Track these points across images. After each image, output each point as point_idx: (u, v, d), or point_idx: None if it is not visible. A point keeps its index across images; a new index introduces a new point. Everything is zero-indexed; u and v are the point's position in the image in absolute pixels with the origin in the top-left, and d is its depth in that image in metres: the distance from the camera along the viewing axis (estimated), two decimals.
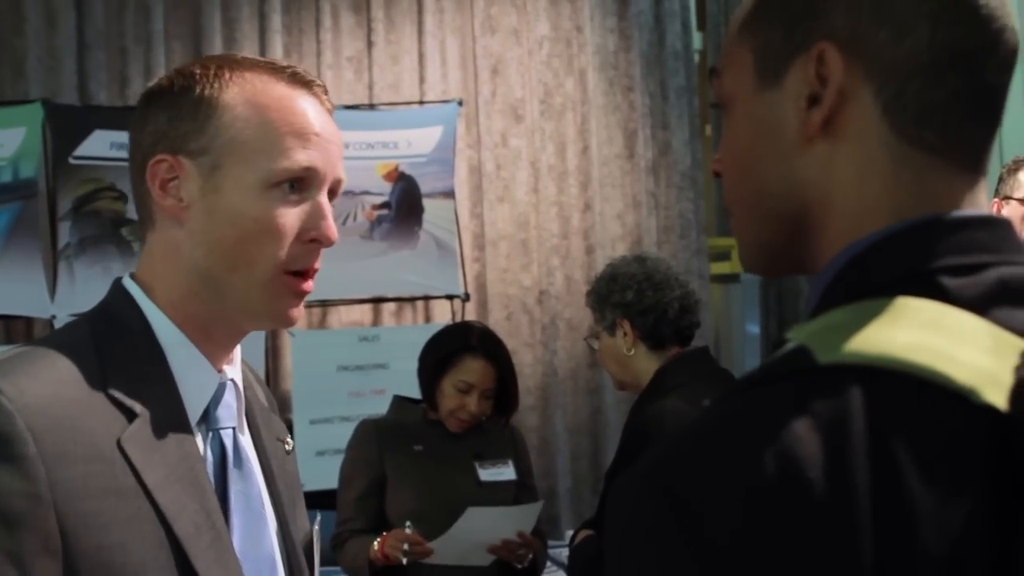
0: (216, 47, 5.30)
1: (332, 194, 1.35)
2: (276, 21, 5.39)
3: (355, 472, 3.16)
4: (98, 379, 1.20)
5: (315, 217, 1.29)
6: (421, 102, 5.41)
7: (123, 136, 4.85)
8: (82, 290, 4.57)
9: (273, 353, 5.21)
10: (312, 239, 1.29)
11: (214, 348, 1.32)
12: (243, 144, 1.27)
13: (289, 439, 1.48)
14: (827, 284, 0.84)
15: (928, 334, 0.73)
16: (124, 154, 4.52)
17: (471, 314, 5.34)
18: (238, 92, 1.29)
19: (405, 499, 3.06)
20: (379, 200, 4.98)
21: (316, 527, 1.48)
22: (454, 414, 3.15)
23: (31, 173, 4.59)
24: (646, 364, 2.69)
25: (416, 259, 4.99)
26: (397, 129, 5.06)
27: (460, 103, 5.28)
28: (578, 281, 5.51)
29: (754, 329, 6.25)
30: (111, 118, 4.82)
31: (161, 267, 1.31)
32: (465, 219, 5.45)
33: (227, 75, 1.29)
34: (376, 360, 4.88)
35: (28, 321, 4.76)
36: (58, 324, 4.51)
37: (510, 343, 5.48)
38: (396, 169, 5.00)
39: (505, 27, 5.62)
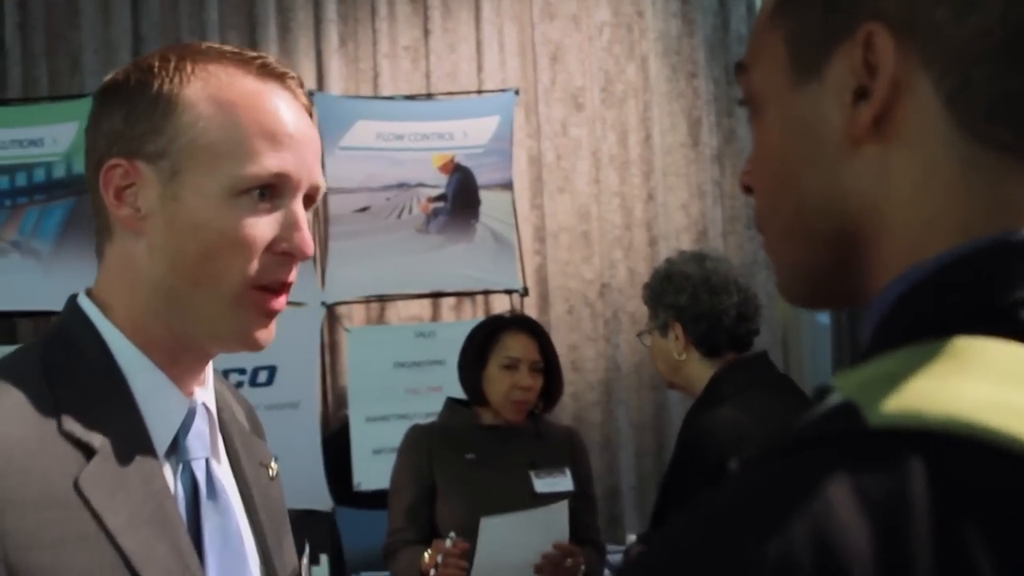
0: (271, 37, 5.22)
1: (309, 201, 1.22)
2: (331, 10, 5.30)
3: (405, 480, 3.05)
4: (50, 412, 1.07)
5: (288, 227, 1.16)
6: (479, 91, 5.29)
7: None
8: None
9: (331, 348, 5.13)
10: (284, 251, 1.16)
11: (181, 371, 1.19)
12: (205, 147, 1.14)
13: (273, 464, 1.35)
14: (881, 319, 0.70)
15: (1007, 387, 0.58)
16: None
17: (531, 308, 5.22)
18: (200, 87, 1.15)
19: (454, 510, 2.95)
20: (435, 192, 4.87)
21: (305, 560, 1.36)
22: (509, 397, 3.03)
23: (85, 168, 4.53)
24: (698, 370, 2.55)
25: (473, 253, 4.88)
26: (453, 119, 4.94)
27: (517, 92, 5.14)
28: (641, 274, 5.36)
29: (824, 320, 6.06)
30: None
31: (119, 284, 1.18)
32: (525, 211, 5.33)
33: (188, 68, 1.16)
34: (433, 356, 4.77)
35: None
36: None
37: (571, 337, 5.41)
38: (452, 160, 4.89)
39: (564, 13, 5.47)
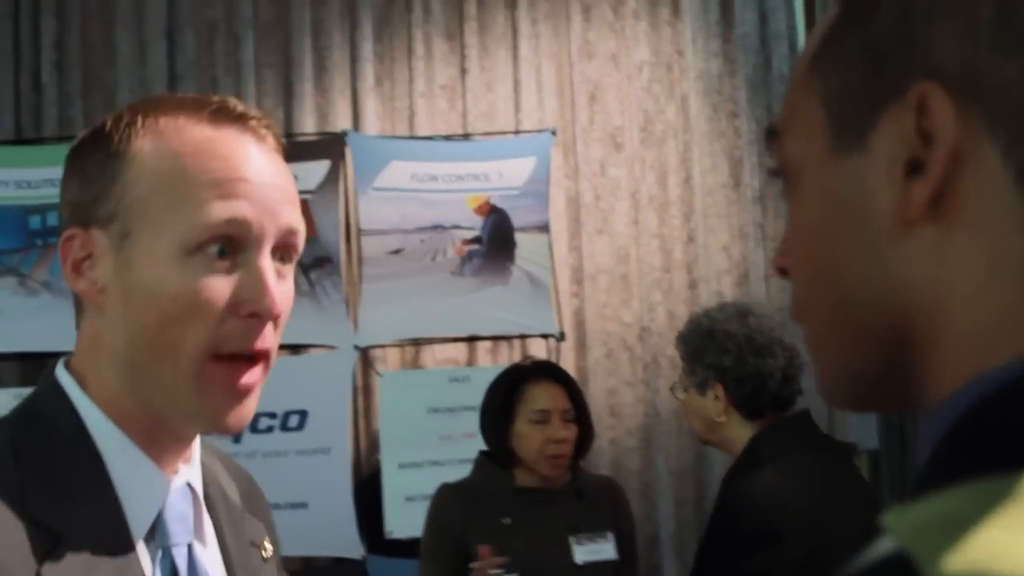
0: (306, 76, 5.17)
1: (290, 251, 1.11)
2: (367, 49, 5.24)
3: (437, 547, 2.89)
4: (15, 496, 0.98)
5: (251, 285, 1.05)
6: (516, 131, 5.21)
7: None
8: None
9: (364, 392, 5.04)
10: (251, 313, 1.05)
11: (161, 449, 1.09)
12: (152, 204, 1.04)
13: (267, 544, 1.24)
14: (941, 440, 0.58)
15: None
16: None
17: (568, 352, 5.12)
18: (149, 142, 1.06)
19: None
20: (470, 235, 4.78)
21: None
22: (543, 453, 2.87)
23: None
24: (738, 431, 2.44)
25: (509, 296, 4.78)
26: (488, 160, 4.86)
27: (554, 133, 5.05)
28: (681, 317, 5.23)
29: None
30: None
31: (90, 358, 1.10)
32: (562, 252, 5.23)
33: (139, 123, 1.07)
34: (468, 402, 4.63)
35: None
36: None
37: (610, 382, 5.30)
38: (487, 202, 4.81)
39: (603, 52, 5.39)
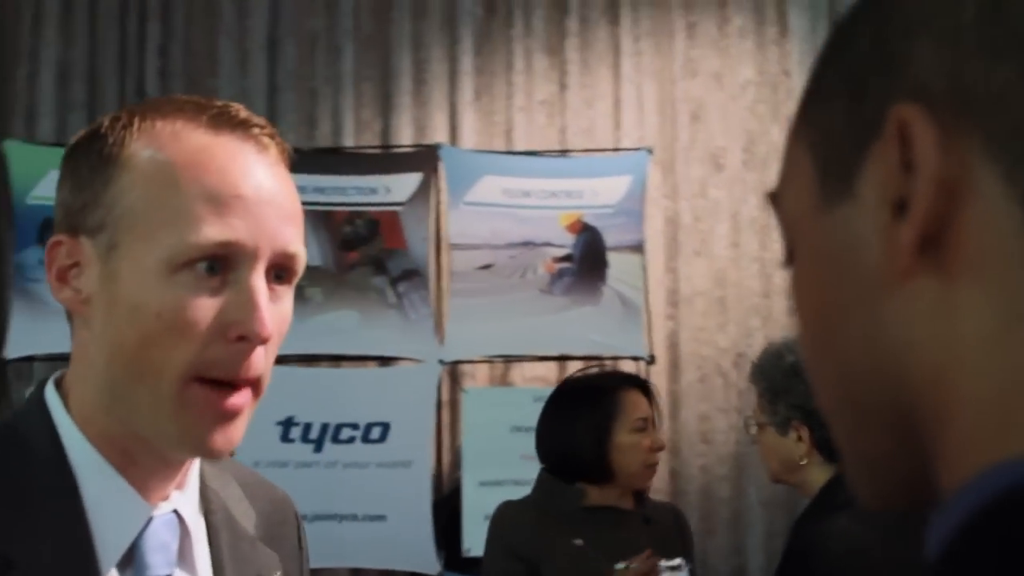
0: (405, 89, 5.16)
1: (287, 272, 1.04)
2: (467, 63, 5.21)
3: (507, 568, 2.73)
4: None
5: (241, 306, 0.98)
6: (616, 149, 5.12)
7: (299, 178, 4.79)
8: None
9: (450, 407, 4.99)
10: (240, 336, 0.98)
11: (143, 473, 1.03)
12: (141, 215, 0.98)
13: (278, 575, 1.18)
14: (948, 540, 0.47)
15: None
16: (300, 197, 4.34)
17: (660, 375, 5.00)
18: (142, 147, 1.00)
19: None
20: (561, 252, 4.70)
21: None
22: (646, 463, 2.77)
23: None
24: (817, 474, 2.32)
25: (599, 317, 4.69)
26: (582, 177, 4.78)
27: (651, 151, 4.94)
28: None
29: None
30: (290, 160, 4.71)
31: (74, 374, 1.05)
32: (658, 273, 5.12)
33: (135, 125, 1.01)
34: None
35: None
36: None
37: (702, 407, 5.17)
38: (580, 220, 4.72)
39: (706, 70, 5.28)
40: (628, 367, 4.94)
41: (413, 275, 4.63)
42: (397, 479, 4.46)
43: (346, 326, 4.56)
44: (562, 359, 5.01)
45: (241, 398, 1.01)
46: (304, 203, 4.17)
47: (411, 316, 4.62)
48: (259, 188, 1.00)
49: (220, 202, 0.98)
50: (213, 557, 1.11)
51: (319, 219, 4.57)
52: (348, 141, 5.11)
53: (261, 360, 1.01)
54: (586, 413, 2.80)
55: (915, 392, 0.51)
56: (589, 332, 4.69)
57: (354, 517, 4.45)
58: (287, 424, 4.46)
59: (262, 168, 1.02)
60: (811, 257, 0.57)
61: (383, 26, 5.22)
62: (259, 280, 1.00)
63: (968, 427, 0.49)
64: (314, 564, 4.57)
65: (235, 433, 1.02)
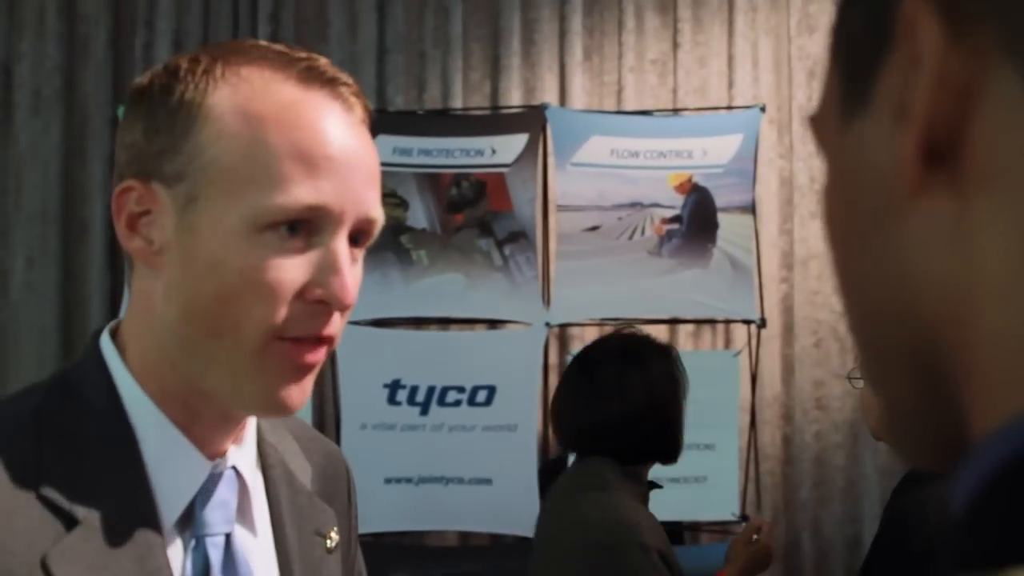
0: (514, 50, 5.11)
1: (364, 236, 1.00)
2: (577, 23, 5.14)
3: None
4: (30, 475, 0.92)
5: (324, 270, 0.95)
6: (729, 107, 5.00)
7: (406, 141, 4.77)
8: (360, 298, 4.44)
9: (558, 370, 4.94)
10: (319, 299, 0.95)
11: (204, 429, 1.01)
12: (226, 169, 0.94)
13: (334, 532, 1.14)
14: (971, 497, 0.41)
15: None
16: (406, 159, 4.35)
17: (773, 340, 4.89)
18: (228, 96, 0.96)
19: None
20: (669, 214, 4.60)
21: None
22: None
23: None
24: None
25: (708, 279, 4.58)
26: (692, 137, 4.66)
27: (763, 109, 4.79)
28: None
29: None
30: (396, 123, 4.71)
31: (135, 325, 1.01)
32: (772, 235, 5.00)
33: (218, 72, 0.96)
34: None
35: None
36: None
37: (817, 372, 5.04)
38: (689, 180, 4.62)
39: (824, 26, 5.09)
40: (740, 331, 4.85)
41: (519, 237, 4.59)
42: (503, 443, 4.44)
43: (452, 289, 4.55)
44: (672, 322, 4.93)
45: (319, 354, 0.98)
46: (410, 165, 4.20)
47: (517, 279, 4.58)
48: (347, 149, 0.97)
49: (310, 162, 0.95)
50: (272, 513, 1.09)
51: (425, 181, 4.56)
52: (457, 103, 5.09)
53: (338, 321, 0.99)
54: (674, 390, 2.45)
55: (935, 330, 0.44)
56: (698, 294, 4.59)
57: (460, 480, 4.45)
58: (394, 387, 4.47)
59: (349, 128, 0.99)
60: (834, 178, 0.51)
61: None
62: (343, 245, 0.97)
63: (993, 370, 0.42)
64: (421, 527, 4.62)
65: (307, 389, 1.00)
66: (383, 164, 4.09)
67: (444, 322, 4.79)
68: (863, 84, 0.47)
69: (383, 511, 4.36)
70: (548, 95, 5.06)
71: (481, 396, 4.50)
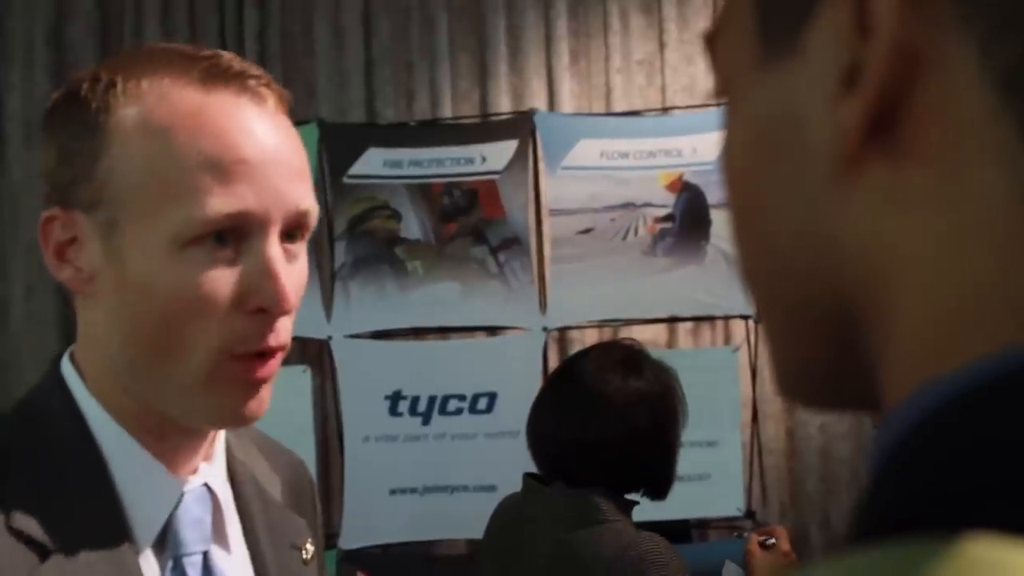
0: (501, 57, 5.12)
1: (301, 229, 0.98)
2: (562, 27, 5.14)
3: None
4: None
5: (259, 277, 0.94)
6: (718, 104, 4.98)
7: (396, 153, 4.76)
8: (357, 311, 4.49)
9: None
10: (259, 307, 0.94)
11: (171, 449, 1.00)
12: (139, 189, 0.92)
13: (309, 544, 1.14)
14: (878, 468, 0.41)
15: None
16: (397, 171, 4.35)
17: None
18: (131, 113, 0.93)
19: None
20: (662, 213, 4.60)
21: None
22: None
23: None
24: None
25: (704, 276, 4.57)
26: (681, 135, 4.66)
27: None
28: None
29: None
30: (385, 135, 4.72)
31: (86, 351, 1.01)
32: None
33: (119, 87, 0.94)
34: None
35: (302, 342, 4.73)
36: (333, 345, 4.48)
37: None
38: (680, 178, 4.61)
39: None
40: (738, 326, 4.85)
41: (513, 243, 4.59)
42: (505, 449, 4.43)
43: (449, 298, 4.55)
44: (671, 321, 4.93)
45: (272, 366, 0.98)
46: (402, 177, 4.18)
47: (513, 285, 4.58)
48: (263, 148, 0.95)
49: (223, 169, 0.92)
50: (246, 529, 1.09)
51: (417, 192, 4.56)
52: (447, 113, 5.10)
53: (285, 327, 0.98)
54: (673, 414, 2.16)
55: (854, 300, 0.44)
56: (694, 292, 4.59)
57: (465, 488, 4.45)
58: (395, 398, 4.47)
59: (263, 124, 0.96)
60: (744, 124, 0.49)
61: None
62: (274, 248, 0.95)
63: (909, 342, 0.42)
64: (429, 536, 4.60)
65: (264, 399, 0.99)
66: (374, 177, 4.08)
67: (443, 331, 4.80)
68: (791, 24, 0.45)
69: (390, 522, 4.37)
70: (537, 100, 5.06)
71: (482, 403, 4.50)
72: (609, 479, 2.08)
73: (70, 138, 0.96)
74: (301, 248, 1.01)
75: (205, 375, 0.95)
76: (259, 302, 0.95)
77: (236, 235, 0.94)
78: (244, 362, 0.96)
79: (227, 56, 0.99)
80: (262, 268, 0.94)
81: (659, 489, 2.15)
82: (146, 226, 0.93)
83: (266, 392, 0.99)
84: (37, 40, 5.15)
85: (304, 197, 0.98)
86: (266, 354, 0.97)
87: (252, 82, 0.98)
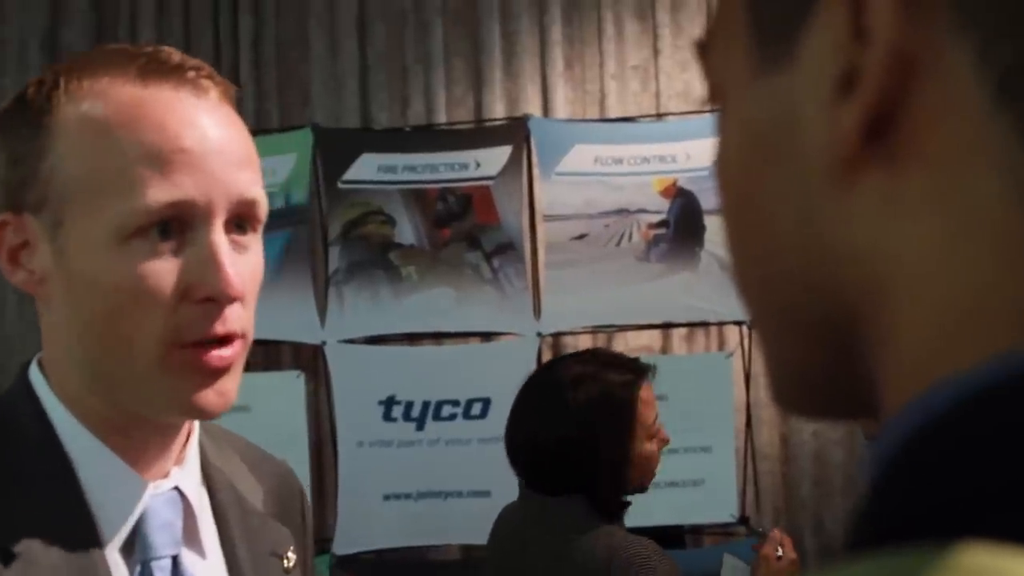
0: (496, 62, 5.12)
1: (250, 219, 0.98)
2: (557, 33, 5.15)
3: None
4: None
5: (203, 266, 0.93)
6: (712, 110, 4.99)
7: (390, 159, 4.77)
8: (351, 316, 4.49)
9: None
10: (205, 297, 0.94)
11: (138, 451, 0.99)
12: (81, 185, 0.93)
13: (291, 552, 1.13)
14: (876, 476, 0.41)
15: None
16: (391, 176, 4.36)
17: None
18: (72, 110, 0.94)
19: None
20: (656, 219, 4.61)
21: None
22: (652, 466, 2.28)
23: (302, 199, 4.55)
24: None
25: (698, 282, 4.58)
26: (674, 141, 4.67)
27: None
28: None
29: None
30: (380, 141, 4.73)
31: (50, 355, 1.01)
32: None
33: (62, 88, 0.95)
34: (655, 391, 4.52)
35: (296, 347, 4.73)
36: (327, 350, 4.48)
37: None
38: (674, 184, 4.62)
39: None
40: (732, 332, 4.85)
41: (507, 249, 4.59)
42: (499, 454, 4.41)
43: (443, 304, 4.55)
44: (665, 327, 4.93)
45: (227, 352, 0.97)
46: (396, 182, 4.18)
47: (507, 290, 4.59)
48: (203, 138, 0.95)
49: (162, 159, 0.92)
50: (222, 535, 1.08)
51: (411, 198, 4.57)
52: (441, 118, 5.10)
53: (236, 316, 0.97)
54: (617, 414, 2.20)
55: (852, 306, 0.44)
56: (688, 298, 4.59)
57: (459, 494, 4.44)
58: (389, 403, 4.47)
59: (203, 114, 0.96)
60: (740, 130, 0.48)
61: (471, 1, 5.18)
62: (218, 236, 0.95)
63: (908, 349, 0.42)
64: (423, 542, 4.60)
65: (227, 388, 0.98)
66: (368, 182, 4.08)
67: (437, 337, 4.80)
68: (786, 33, 0.44)
69: (384, 528, 4.37)
70: (531, 106, 5.07)
71: (476, 409, 4.50)
72: (587, 488, 2.13)
73: (18, 141, 0.97)
74: (253, 240, 1.01)
75: (154, 365, 0.94)
76: (205, 291, 0.94)
77: (180, 226, 0.94)
78: (193, 350, 0.95)
79: (167, 51, 1.00)
80: (205, 256, 0.94)
81: (611, 498, 2.17)
82: (89, 222, 0.93)
83: (228, 384, 0.98)
84: (31, 44, 5.15)
85: (250, 186, 0.98)
86: (215, 342, 0.96)
87: (192, 74, 0.98)
